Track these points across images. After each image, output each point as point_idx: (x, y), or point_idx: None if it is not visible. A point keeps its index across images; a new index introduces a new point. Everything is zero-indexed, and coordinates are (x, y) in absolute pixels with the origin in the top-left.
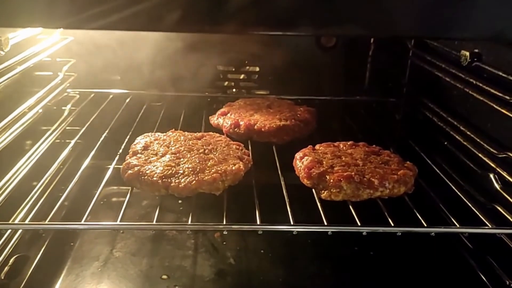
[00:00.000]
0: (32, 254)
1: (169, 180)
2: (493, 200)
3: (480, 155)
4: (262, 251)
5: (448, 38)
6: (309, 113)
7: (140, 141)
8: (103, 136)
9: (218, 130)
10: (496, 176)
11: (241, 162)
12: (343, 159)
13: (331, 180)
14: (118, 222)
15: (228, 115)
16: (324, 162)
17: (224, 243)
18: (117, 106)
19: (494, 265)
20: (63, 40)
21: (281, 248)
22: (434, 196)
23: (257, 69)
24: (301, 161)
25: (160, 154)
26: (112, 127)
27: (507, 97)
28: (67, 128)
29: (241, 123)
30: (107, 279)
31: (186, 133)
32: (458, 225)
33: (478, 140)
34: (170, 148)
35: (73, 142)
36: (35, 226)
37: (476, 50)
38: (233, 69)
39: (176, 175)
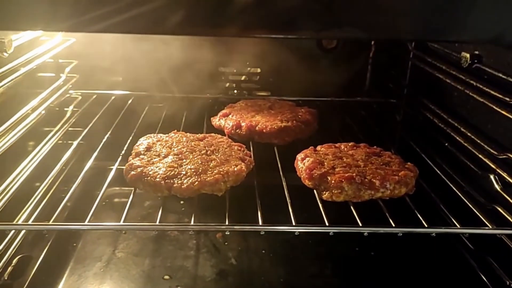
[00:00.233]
0: (35, 254)
1: (171, 181)
2: (493, 201)
3: (480, 156)
4: (263, 251)
5: (448, 41)
6: (310, 114)
7: (143, 142)
8: (106, 137)
9: (219, 131)
10: (496, 177)
11: (243, 163)
12: (344, 160)
13: (333, 181)
14: (121, 223)
15: (230, 116)
16: (325, 163)
17: (226, 243)
18: (119, 107)
19: (494, 265)
20: (66, 42)
21: (282, 248)
22: (435, 197)
23: (259, 70)
24: (303, 162)
25: (163, 155)
26: (114, 128)
27: (507, 99)
28: (70, 129)
29: (243, 124)
30: (109, 280)
31: (188, 134)
32: (458, 226)
33: (478, 141)
34: (172, 149)
35: (75, 143)
36: (39, 227)
37: (477, 52)
38: (235, 71)
39: (178, 176)
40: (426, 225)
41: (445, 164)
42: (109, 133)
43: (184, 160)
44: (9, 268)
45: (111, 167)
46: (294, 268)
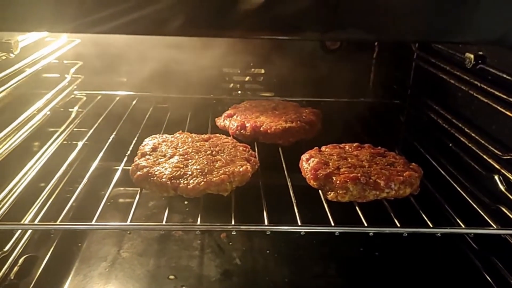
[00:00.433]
0: (40, 254)
1: (177, 181)
2: (497, 201)
3: (484, 156)
4: (267, 251)
5: (452, 42)
6: (314, 115)
7: (148, 143)
8: (111, 138)
9: (224, 131)
10: (500, 177)
11: (248, 164)
12: (349, 160)
13: (338, 182)
14: (129, 223)
15: (234, 117)
16: (330, 164)
17: (230, 243)
18: (123, 108)
19: (499, 265)
20: (71, 43)
21: (286, 248)
22: (439, 197)
23: (262, 71)
24: (308, 163)
25: (169, 156)
26: (119, 129)
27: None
28: (74, 129)
29: (247, 125)
30: (114, 279)
31: (193, 134)
32: (463, 226)
33: (482, 141)
34: (178, 149)
35: (81, 144)
36: (47, 227)
37: (481, 53)
38: (239, 71)
39: (184, 176)
40: (431, 225)
41: (449, 164)
42: (114, 133)
43: (190, 161)
44: (15, 268)
45: (116, 167)
46: (298, 268)
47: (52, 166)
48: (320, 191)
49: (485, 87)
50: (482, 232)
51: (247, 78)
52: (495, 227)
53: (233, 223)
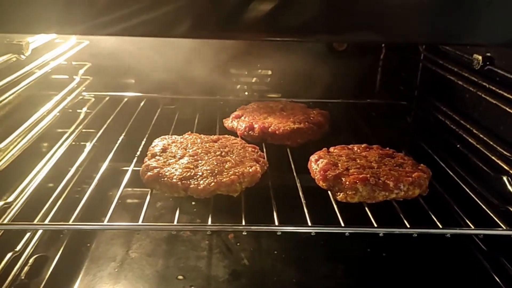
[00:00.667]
0: (50, 254)
1: (188, 182)
2: (506, 202)
3: (493, 157)
4: (275, 252)
5: (461, 44)
6: (322, 116)
7: (158, 144)
8: (120, 138)
9: (232, 132)
10: (509, 178)
11: (257, 164)
12: (358, 161)
13: (347, 182)
14: (141, 223)
15: (242, 118)
16: (339, 165)
17: (238, 244)
18: (132, 109)
19: (507, 266)
20: (80, 44)
21: (294, 249)
22: (448, 198)
23: (269, 72)
24: (317, 164)
25: (178, 156)
26: (128, 130)
27: None
28: (83, 130)
29: (256, 126)
30: (124, 279)
31: (202, 135)
32: (473, 227)
33: (491, 142)
34: (187, 150)
35: (91, 145)
36: (61, 227)
37: (489, 54)
38: (246, 73)
39: (195, 177)
40: (440, 226)
41: (457, 165)
42: (123, 134)
43: (200, 161)
44: (26, 268)
45: (124, 168)
46: (306, 269)
47: (61, 167)
48: (329, 192)
49: (493, 88)
50: (492, 233)
51: (254, 79)
52: (504, 228)
53: (243, 223)
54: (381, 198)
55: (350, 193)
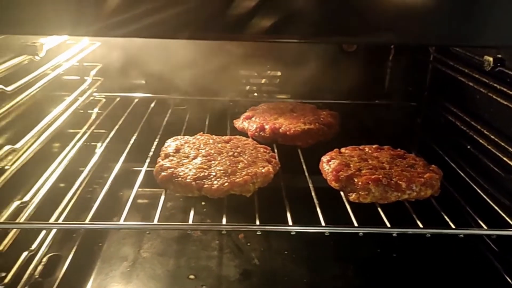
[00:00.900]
0: (63, 253)
1: (202, 182)
2: None
3: (504, 158)
4: (285, 252)
5: (473, 46)
6: (332, 117)
7: (171, 144)
8: (132, 139)
9: (242, 133)
10: None
11: (270, 165)
12: (370, 162)
13: (360, 183)
14: (156, 222)
15: (253, 119)
16: (351, 165)
17: (248, 244)
18: (142, 109)
19: None
20: (92, 45)
21: (304, 249)
22: (460, 198)
23: (279, 73)
24: (328, 164)
25: (192, 157)
26: (140, 130)
27: None
28: (94, 131)
29: (266, 126)
30: (136, 279)
31: (214, 136)
32: (485, 227)
33: (502, 143)
34: (200, 151)
35: (104, 145)
36: (76, 226)
37: (499, 56)
38: (255, 74)
39: (208, 177)
40: (453, 227)
41: (468, 166)
42: (135, 135)
43: (213, 162)
44: (40, 267)
45: (135, 168)
46: (316, 269)
47: (72, 167)
48: (341, 193)
49: (504, 89)
50: (506, 233)
51: (263, 81)
52: None
53: (257, 223)
54: (393, 198)
55: (362, 193)
